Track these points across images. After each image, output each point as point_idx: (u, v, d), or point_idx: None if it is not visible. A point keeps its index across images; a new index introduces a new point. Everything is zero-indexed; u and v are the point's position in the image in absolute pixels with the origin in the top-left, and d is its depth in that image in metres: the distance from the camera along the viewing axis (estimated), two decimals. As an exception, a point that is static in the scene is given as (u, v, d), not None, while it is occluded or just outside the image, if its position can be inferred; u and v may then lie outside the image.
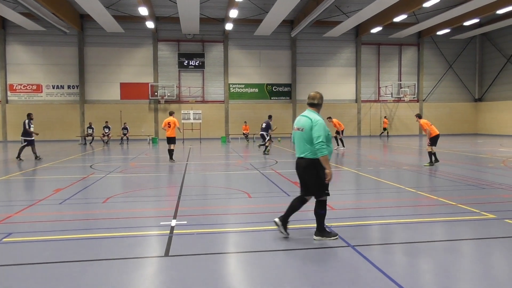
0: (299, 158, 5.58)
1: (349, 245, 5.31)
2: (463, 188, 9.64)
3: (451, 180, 10.78)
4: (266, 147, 19.24)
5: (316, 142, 5.27)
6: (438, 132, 14.42)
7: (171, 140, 16.31)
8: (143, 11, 25.90)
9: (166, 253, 5.09)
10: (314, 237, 5.62)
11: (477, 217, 6.73)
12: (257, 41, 33.82)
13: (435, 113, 35.90)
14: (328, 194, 5.54)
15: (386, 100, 35.98)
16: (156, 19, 31.96)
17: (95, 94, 32.43)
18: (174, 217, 6.85)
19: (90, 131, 28.18)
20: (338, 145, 22.09)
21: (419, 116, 14.69)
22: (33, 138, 17.02)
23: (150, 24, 29.40)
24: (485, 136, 34.11)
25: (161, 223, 6.52)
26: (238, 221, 6.83)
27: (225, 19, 31.34)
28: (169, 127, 16.15)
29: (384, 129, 33.60)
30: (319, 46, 34.78)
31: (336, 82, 35.27)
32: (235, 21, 30.69)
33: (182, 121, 28.20)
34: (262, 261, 4.88)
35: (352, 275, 4.37)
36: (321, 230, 5.61)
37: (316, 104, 5.67)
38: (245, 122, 31.88)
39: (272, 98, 34.59)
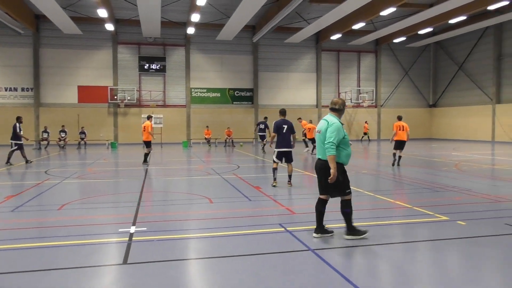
0: (318, 159, 5.91)
1: (309, 249, 5.37)
2: (418, 191, 9.98)
3: (407, 184, 11.14)
4: (264, 145, 22.64)
5: (326, 142, 5.60)
6: (400, 138, 15.04)
7: (145, 144, 17.06)
8: (102, 13, 25.30)
9: (125, 261, 4.97)
10: (346, 236, 5.81)
11: (432, 219, 6.98)
12: (219, 46, 33.77)
13: (393, 118, 36.61)
14: (350, 193, 5.85)
15: (346, 106, 36.73)
16: (116, 21, 31.29)
17: (51, 97, 31.31)
18: (133, 224, 6.70)
19: (45, 135, 27.17)
20: (307, 147, 22.64)
21: (399, 118, 15.77)
22: (22, 142, 16.72)
23: (109, 27, 28.74)
24: (439, 140, 35.50)
25: (119, 230, 6.36)
26: (199, 227, 6.76)
27: (187, 23, 31.12)
28: (144, 131, 16.79)
29: (365, 133, 34.73)
30: (280, 52, 35.16)
31: (298, 88, 35.74)
32: (197, 25, 30.54)
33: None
34: (222, 267, 4.86)
35: (312, 279, 4.42)
36: (351, 229, 5.81)
37: (337, 109, 5.94)
38: (207, 126, 31.70)
39: (234, 102, 34.59)
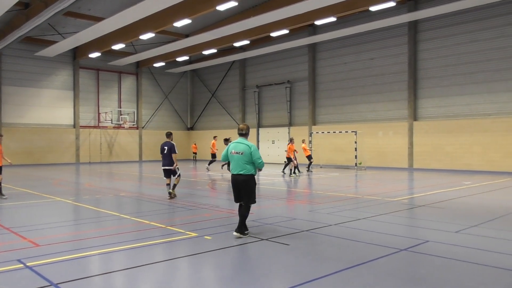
0: (238, 175, 7.35)
1: (52, 284, 4.88)
2: (172, 210, 10.41)
3: (163, 204, 11.47)
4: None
5: (259, 161, 7.34)
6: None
7: None
8: None
9: None
10: (238, 234, 7.21)
11: (183, 236, 7.36)
12: None
13: (154, 140, 37.83)
14: (255, 202, 7.55)
15: (107, 126, 35.68)
16: None
17: None
18: None
19: None
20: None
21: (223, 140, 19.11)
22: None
23: None
24: (197, 161, 38.06)
25: None
26: None
27: None
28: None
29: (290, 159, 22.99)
30: (30, 65, 31.61)
31: (52, 106, 32.72)
32: None
33: None
34: None
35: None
36: (244, 228, 7.32)
37: (245, 134, 7.55)
38: None
39: (-32, 120, 29.09)
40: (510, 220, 9.03)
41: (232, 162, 7.42)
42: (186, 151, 41.25)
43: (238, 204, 7.57)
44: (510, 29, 21.62)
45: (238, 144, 7.40)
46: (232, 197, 7.65)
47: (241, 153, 7.30)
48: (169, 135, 12.66)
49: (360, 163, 25.37)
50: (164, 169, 12.52)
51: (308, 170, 22.88)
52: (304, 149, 22.99)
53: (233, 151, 7.38)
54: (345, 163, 27.26)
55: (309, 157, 23.00)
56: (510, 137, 21.43)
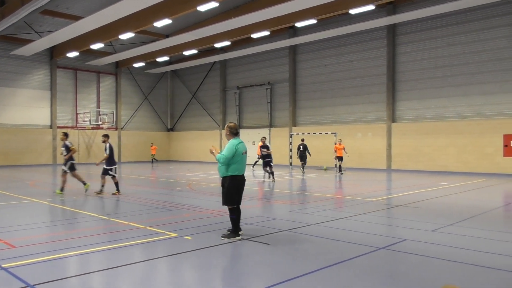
0: (243, 175, 7.26)
1: (28, 285, 4.78)
2: (152, 211, 10.31)
3: (142, 205, 11.36)
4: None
5: None
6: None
7: None
8: None
9: None
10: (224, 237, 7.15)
11: (163, 237, 7.30)
12: None
13: (133, 141, 37.49)
14: None
15: (85, 127, 35.11)
16: None
17: None
18: None
19: None
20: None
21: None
22: None
23: None
24: (176, 162, 37.85)
25: None
26: None
27: None
28: None
29: (340, 158, 23.71)
30: (6, 64, 30.85)
31: (28, 106, 32.02)
32: None
33: None
34: None
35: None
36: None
37: (238, 133, 7.43)
38: None
39: None
40: (485, 219, 9.26)
41: (241, 163, 7.19)
42: (166, 153, 40.95)
43: (226, 206, 7.32)
44: (485, 34, 22.18)
45: (243, 144, 7.31)
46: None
47: (246, 153, 7.35)
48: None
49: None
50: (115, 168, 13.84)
51: (338, 170, 23.70)
52: (338, 149, 23.41)
53: (243, 151, 7.23)
54: (325, 164, 27.45)
55: (340, 158, 23.48)
56: (485, 139, 21.97)
